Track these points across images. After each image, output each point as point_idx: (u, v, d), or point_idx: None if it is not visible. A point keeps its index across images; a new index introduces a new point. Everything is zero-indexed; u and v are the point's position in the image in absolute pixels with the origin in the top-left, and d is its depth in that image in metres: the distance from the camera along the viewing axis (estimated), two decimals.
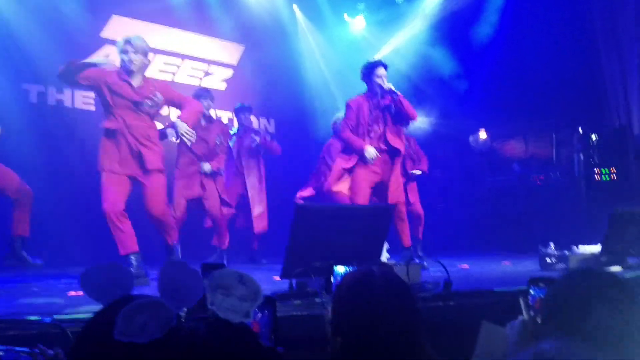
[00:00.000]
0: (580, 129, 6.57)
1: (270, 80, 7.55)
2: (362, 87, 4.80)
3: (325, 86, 8.28)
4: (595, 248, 4.24)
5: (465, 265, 4.97)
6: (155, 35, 6.98)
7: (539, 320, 1.47)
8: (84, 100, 6.38)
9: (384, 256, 3.83)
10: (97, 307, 1.03)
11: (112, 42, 6.67)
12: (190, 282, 1.16)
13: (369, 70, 4.68)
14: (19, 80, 5.95)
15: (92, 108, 6.35)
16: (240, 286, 1.05)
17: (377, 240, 3.07)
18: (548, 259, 4.29)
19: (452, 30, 7.87)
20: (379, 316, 1.44)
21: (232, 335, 0.98)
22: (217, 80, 7.64)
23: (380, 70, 4.61)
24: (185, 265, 1.19)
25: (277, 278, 2.94)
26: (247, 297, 1.02)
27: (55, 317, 2.06)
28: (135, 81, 3.89)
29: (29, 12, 5.75)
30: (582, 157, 6.47)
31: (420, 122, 6.60)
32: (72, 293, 3.17)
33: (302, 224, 2.79)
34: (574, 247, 4.41)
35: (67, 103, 6.31)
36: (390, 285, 1.51)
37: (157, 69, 7.03)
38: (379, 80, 4.57)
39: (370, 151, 4.54)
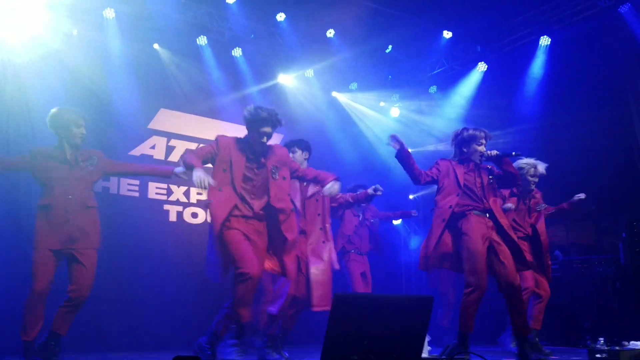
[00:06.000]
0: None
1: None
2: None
3: (366, 168, 8.41)
4: None
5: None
6: (200, 126, 7.35)
7: None
8: (129, 187, 6.66)
9: (426, 349, 3.72)
10: None
11: (159, 134, 7.06)
12: None
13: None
14: None
15: (136, 194, 6.65)
16: None
17: (418, 332, 2.99)
18: (598, 355, 4.08)
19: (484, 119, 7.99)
20: None
21: None
22: None
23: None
24: None
25: None
26: None
27: None
28: None
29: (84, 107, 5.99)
30: (627, 246, 6.25)
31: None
32: None
33: (340, 315, 2.75)
34: (625, 343, 4.20)
35: (113, 190, 6.58)
36: None
37: None
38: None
39: None
